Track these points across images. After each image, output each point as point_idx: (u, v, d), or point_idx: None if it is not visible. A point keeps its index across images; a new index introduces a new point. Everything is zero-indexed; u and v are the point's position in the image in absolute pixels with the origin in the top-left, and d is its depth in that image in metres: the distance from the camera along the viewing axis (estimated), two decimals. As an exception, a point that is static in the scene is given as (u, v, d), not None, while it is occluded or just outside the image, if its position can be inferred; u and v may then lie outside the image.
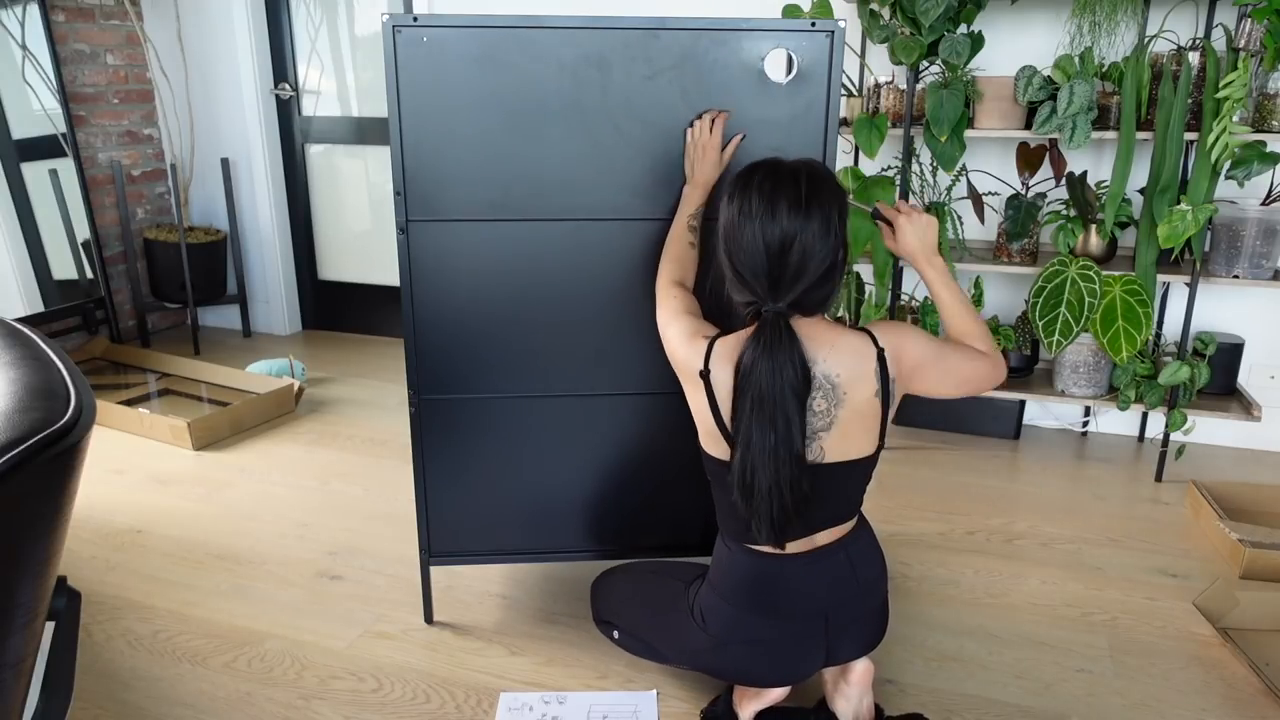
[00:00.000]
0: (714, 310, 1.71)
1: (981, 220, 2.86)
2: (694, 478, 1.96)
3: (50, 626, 1.04)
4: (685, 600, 1.70)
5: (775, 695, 1.69)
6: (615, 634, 1.83)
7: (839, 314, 2.99)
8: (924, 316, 2.94)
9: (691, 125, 1.75)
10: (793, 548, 1.58)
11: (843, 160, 3.06)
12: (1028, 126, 2.72)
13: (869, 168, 3.01)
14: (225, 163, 4.00)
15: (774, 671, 1.63)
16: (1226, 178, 2.54)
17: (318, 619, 2.06)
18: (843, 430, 1.51)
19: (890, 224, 1.68)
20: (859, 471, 1.57)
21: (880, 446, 1.58)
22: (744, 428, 1.48)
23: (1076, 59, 2.57)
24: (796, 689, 1.81)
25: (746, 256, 1.48)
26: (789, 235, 1.44)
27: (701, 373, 1.53)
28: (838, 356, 1.49)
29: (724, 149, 1.74)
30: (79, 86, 3.79)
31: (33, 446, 0.82)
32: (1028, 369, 3.00)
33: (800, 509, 1.49)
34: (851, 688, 1.68)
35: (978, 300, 2.95)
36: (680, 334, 1.59)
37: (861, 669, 1.67)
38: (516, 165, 1.75)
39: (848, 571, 1.60)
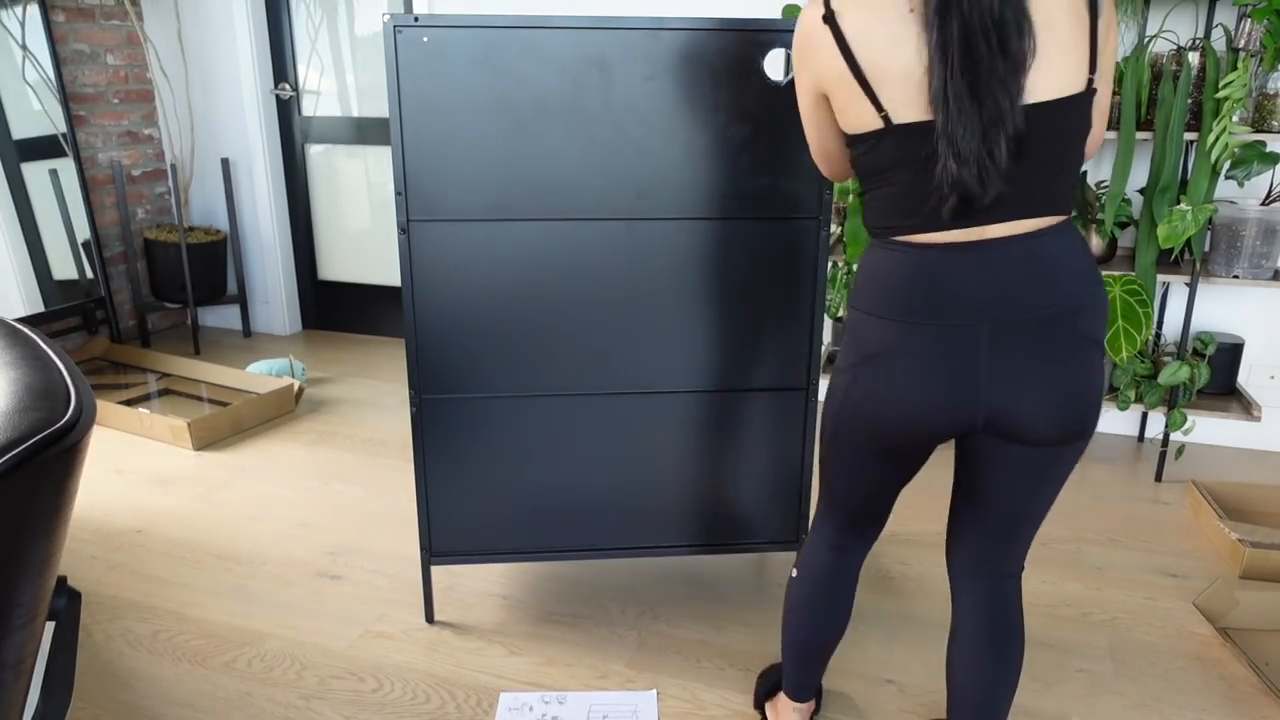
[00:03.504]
0: None
1: (981, 220, 2.86)
2: (695, 476, 1.96)
3: (50, 626, 1.05)
4: None
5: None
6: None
7: (838, 314, 2.99)
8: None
9: None
10: (955, 236, 1.25)
11: (843, 160, 3.05)
12: (1028, 126, 2.71)
13: (869, 168, 3.01)
14: (225, 163, 4.00)
15: (908, 393, 1.28)
16: (1226, 178, 2.54)
17: (318, 619, 2.06)
18: (1043, 54, 1.16)
19: None
20: (1071, 116, 1.20)
21: (1094, 82, 1.20)
22: (938, 80, 1.15)
23: (1076, 59, 2.57)
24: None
25: None
26: None
27: (825, 18, 1.20)
28: None
29: None
30: (79, 86, 3.79)
31: (33, 446, 0.82)
32: (1028, 369, 2.99)
33: (1010, 169, 1.18)
34: None
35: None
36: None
37: None
38: (517, 165, 1.75)
39: (1021, 272, 1.24)
